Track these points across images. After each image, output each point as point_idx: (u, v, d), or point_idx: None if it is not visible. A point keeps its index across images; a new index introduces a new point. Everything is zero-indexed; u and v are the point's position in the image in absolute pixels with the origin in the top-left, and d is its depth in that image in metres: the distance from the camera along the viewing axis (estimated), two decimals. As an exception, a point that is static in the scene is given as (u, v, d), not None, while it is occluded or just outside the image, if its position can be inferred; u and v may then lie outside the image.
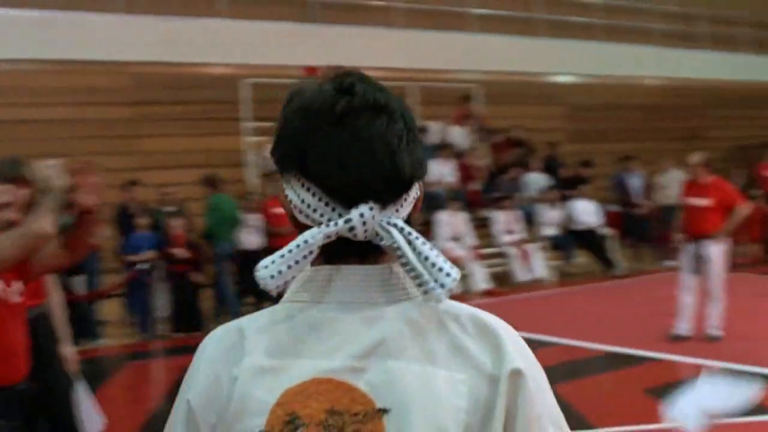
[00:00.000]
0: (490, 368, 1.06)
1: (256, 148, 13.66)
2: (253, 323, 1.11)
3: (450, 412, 1.02)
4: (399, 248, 1.06)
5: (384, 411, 1.02)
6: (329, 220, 1.09)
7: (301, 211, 1.12)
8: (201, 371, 1.10)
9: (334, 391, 1.03)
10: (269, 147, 1.15)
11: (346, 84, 1.10)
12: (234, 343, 1.09)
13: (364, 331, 1.06)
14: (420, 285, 1.05)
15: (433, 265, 1.05)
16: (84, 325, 9.65)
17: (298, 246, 1.06)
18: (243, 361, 1.07)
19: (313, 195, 1.10)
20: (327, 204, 1.09)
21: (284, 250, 1.07)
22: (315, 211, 1.10)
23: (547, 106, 17.65)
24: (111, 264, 10.99)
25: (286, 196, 1.14)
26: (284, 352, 1.07)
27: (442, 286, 1.05)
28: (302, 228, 1.11)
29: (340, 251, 1.09)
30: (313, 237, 1.06)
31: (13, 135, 11.58)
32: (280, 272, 1.06)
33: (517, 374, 1.06)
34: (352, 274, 1.10)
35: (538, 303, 11.94)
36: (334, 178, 1.07)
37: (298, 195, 1.12)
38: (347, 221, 1.07)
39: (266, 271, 1.06)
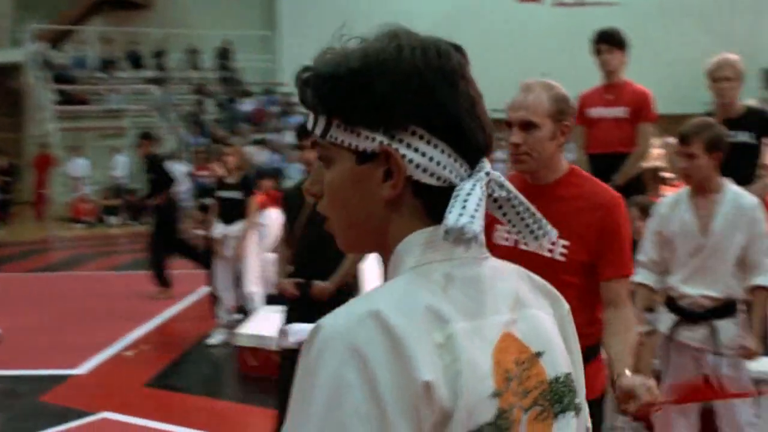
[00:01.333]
0: (551, 309, 1.17)
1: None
2: (427, 293, 1.01)
3: (561, 346, 1.14)
4: (516, 197, 1.09)
5: (539, 354, 1.09)
6: (457, 176, 1.07)
7: (425, 170, 1.06)
8: (415, 350, 0.95)
9: (511, 343, 1.06)
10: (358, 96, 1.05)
11: (449, 42, 1.10)
12: (427, 314, 0.99)
13: (501, 284, 1.09)
14: (531, 232, 1.10)
15: (534, 214, 1.11)
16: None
17: (480, 198, 1.04)
18: (449, 328, 1.00)
19: (442, 152, 1.07)
20: (456, 160, 1.07)
21: (476, 203, 1.03)
22: (445, 168, 1.07)
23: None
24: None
25: (395, 153, 1.06)
26: (471, 313, 1.03)
27: (546, 233, 1.12)
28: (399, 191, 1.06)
29: (444, 208, 1.04)
30: (480, 188, 1.04)
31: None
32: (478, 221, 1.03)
33: (569, 313, 1.21)
34: None
35: None
36: (474, 134, 1.08)
37: (424, 152, 1.06)
38: (488, 174, 1.08)
39: (476, 223, 1.02)
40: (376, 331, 0.95)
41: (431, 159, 1.07)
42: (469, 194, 1.04)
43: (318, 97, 1.09)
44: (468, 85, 1.08)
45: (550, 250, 2.64)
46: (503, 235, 2.72)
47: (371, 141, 1.07)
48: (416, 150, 1.07)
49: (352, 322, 0.96)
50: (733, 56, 5.07)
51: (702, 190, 3.79)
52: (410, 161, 1.07)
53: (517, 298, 1.11)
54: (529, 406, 1.06)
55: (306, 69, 1.11)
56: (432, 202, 1.07)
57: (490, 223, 2.63)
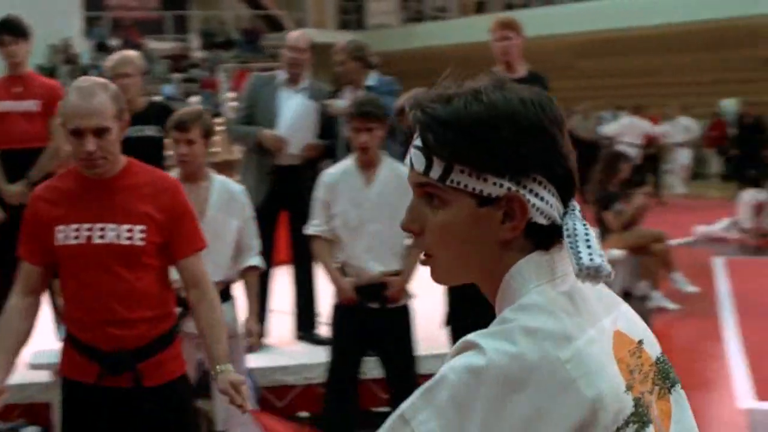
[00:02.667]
0: None
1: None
2: (559, 314, 1.12)
3: (647, 327, 1.27)
4: (574, 228, 1.17)
5: (641, 342, 1.23)
6: (558, 215, 1.18)
7: (542, 212, 1.16)
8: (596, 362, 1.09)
9: (622, 339, 1.19)
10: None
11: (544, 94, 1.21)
12: (567, 326, 1.11)
13: (593, 291, 1.19)
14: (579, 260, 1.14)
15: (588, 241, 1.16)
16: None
17: (593, 236, 1.17)
18: (583, 338, 1.11)
19: (552, 194, 1.17)
20: (558, 200, 1.18)
21: (596, 242, 1.15)
22: (553, 208, 1.17)
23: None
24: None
25: (522, 198, 1.14)
26: (590, 323, 1.15)
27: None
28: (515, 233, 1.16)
29: (547, 241, 1.18)
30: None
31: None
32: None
33: None
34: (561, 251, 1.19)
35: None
36: (573, 177, 1.19)
37: (542, 197, 1.16)
38: (577, 210, 1.20)
39: (605, 260, 1.14)
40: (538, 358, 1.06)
41: (547, 203, 1.16)
42: (587, 234, 1.15)
43: (442, 144, 1.14)
44: (564, 133, 1.19)
45: (129, 237, 2.74)
46: (71, 235, 2.73)
47: (498, 187, 1.14)
48: (536, 195, 1.16)
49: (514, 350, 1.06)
50: (132, 52, 5.18)
51: (194, 177, 3.84)
52: (532, 206, 1.15)
53: (609, 302, 1.24)
54: (651, 389, 1.20)
55: (421, 110, 1.16)
56: (540, 239, 1.18)
57: (47, 226, 2.73)
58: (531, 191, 1.15)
